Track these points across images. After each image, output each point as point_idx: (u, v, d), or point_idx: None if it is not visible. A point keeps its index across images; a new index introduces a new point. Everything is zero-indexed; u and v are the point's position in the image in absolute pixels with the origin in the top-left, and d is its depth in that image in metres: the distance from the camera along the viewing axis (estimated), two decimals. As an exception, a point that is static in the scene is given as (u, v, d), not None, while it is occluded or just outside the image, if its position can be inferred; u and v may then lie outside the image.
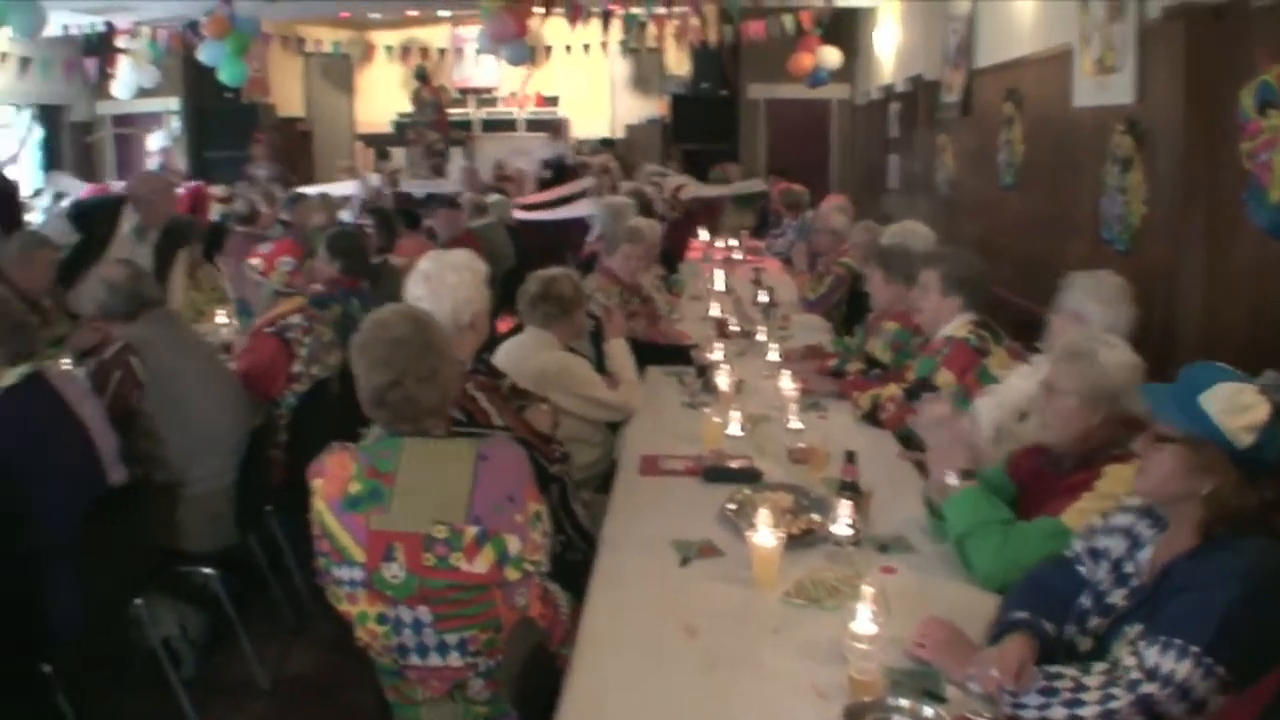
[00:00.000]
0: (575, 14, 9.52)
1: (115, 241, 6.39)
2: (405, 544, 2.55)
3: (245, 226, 8.81)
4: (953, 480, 3.03)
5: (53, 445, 3.60)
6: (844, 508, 3.01)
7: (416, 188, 13.30)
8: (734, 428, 4.03)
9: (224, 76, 11.18)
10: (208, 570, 4.26)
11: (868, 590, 2.44)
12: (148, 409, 4.25)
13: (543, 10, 9.61)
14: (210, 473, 4.30)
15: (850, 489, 3.15)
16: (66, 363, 5.24)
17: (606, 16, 9.91)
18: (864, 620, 2.39)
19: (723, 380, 4.57)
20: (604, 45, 12.56)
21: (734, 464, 3.73)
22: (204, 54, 11.00)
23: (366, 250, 6.26)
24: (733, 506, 3.31)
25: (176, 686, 3.99)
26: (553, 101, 17.06)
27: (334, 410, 4.93)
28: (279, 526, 4.79)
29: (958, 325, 4.32)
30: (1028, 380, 3.66)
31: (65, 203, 10.05)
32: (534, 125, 16.45)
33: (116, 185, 11.13)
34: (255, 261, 5.07)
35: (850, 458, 3.21)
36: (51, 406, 3.67)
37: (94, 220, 6.57)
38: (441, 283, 3.55)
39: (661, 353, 5.29)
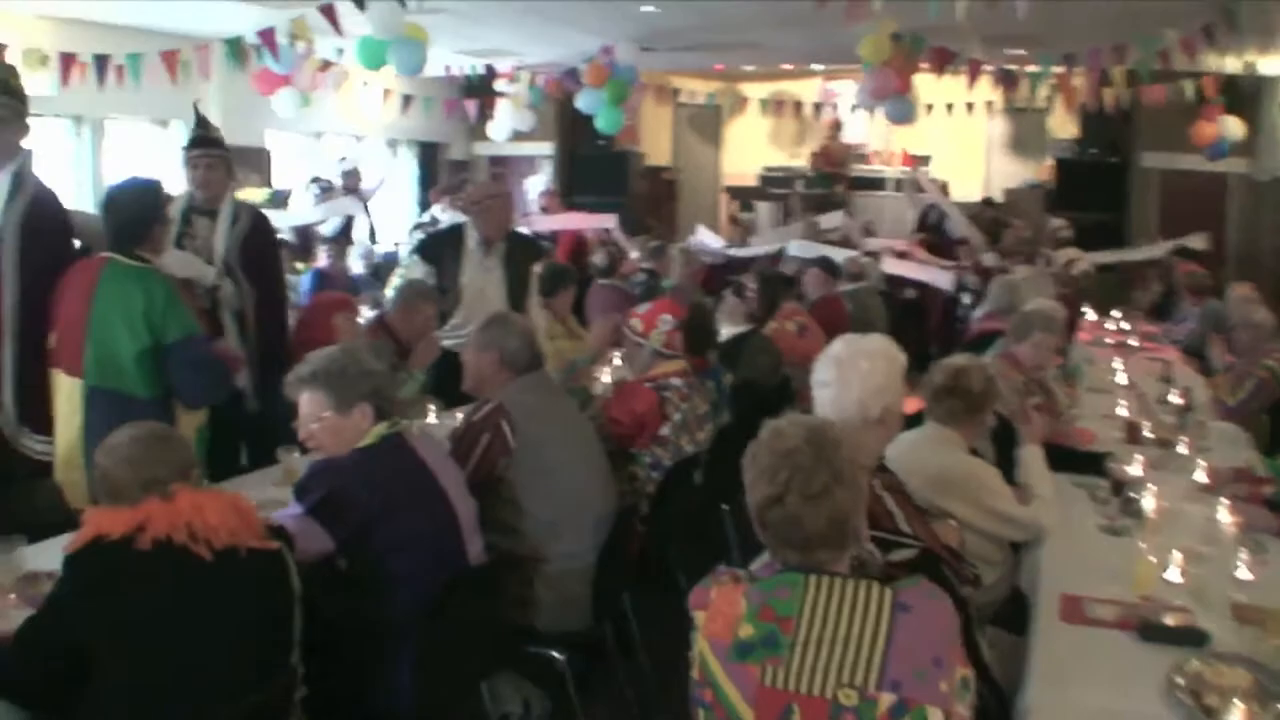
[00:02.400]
0: (974, 72, 8.97)
1: (465, 260, 6.29)
2: (806, 709, 2.14)
3: (606, 279, 8.73)
4: None
5: (410, 513, 3.40)
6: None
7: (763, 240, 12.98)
8: (1172, 572, 3.39)
9: (601, 124, 11.25)
10: (556, 654, 3.97)
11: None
12: (512, 477, 4.02)
13: (928, 66, 9.12)
14: (571, 550, 4.02)
15: (1351, 684, 2.51)
16: (432, 416, 5.18)
17: (1007, 75, 9.31)
18: None
19: (1148, 503, 3.94)
20: (989, 105, 11.92)
21: (1170, 619, 3.12)
22: (582, 101, 11.10)
23: (712, 329, 5.96)
24: (1181, 681, 2.71)
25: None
26: (923, 160, 16.49)
27: (696, 494, 4.64)
28: (630, 603, 4.49)
29: None
30: None
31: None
32: (901, 185, 15.88)
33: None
34: (635, 321, 4.85)
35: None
36: (411, 471, 3.49)
37: (439, 248, 6.50)
38: (852, 369, 3.17)
39: (1067, 458, 4.60)
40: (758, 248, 11.92)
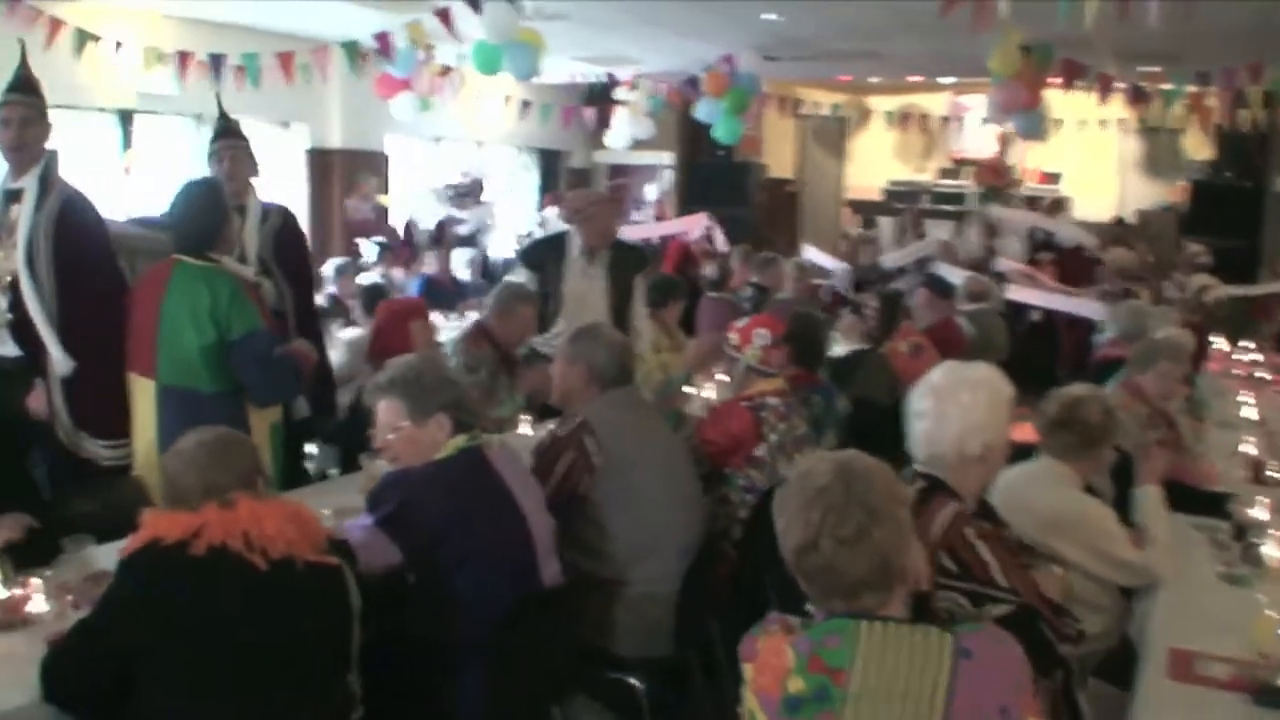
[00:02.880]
0: (1105, 87, 8.63)
1: (567, 268, 6.19)
2: (863, 768, 1.97)
3: (716, 292, 8.58)
4: None
5: (482, 529, 3.27)
6: None
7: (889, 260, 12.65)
8: (1291, 630, 3.12)
9: (719, 134, 11.12)
10: (634, 682, 3.82)
11: None
12: (596, 496, 3.88)
13: (1060, 81, 8.81)
14: (654, 575, 3.86)
15: None
16: (525, 428, 5.08)
17: (1137, 92, 8.94)
18: None
19: (1270, 551, 3.67)
20: (1121, 122, 11.54)
21: (1288, 682, 2.87)
22: (701, 110, 10.97)
23: (821, 341, 5.72)
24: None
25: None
26: (1054, 178, 16.07)
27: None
28: (719, 629, 4.23)
29: None
30: None
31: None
32: (1032, 202, 15.48)
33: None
34: (732, 335, 4.67)
35: None
36: (486, 487, 3.36)
37: (543, 256, 6.43)
38: (952, 400, 2.95)
39: (1188, 497, 4.31)
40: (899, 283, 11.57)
